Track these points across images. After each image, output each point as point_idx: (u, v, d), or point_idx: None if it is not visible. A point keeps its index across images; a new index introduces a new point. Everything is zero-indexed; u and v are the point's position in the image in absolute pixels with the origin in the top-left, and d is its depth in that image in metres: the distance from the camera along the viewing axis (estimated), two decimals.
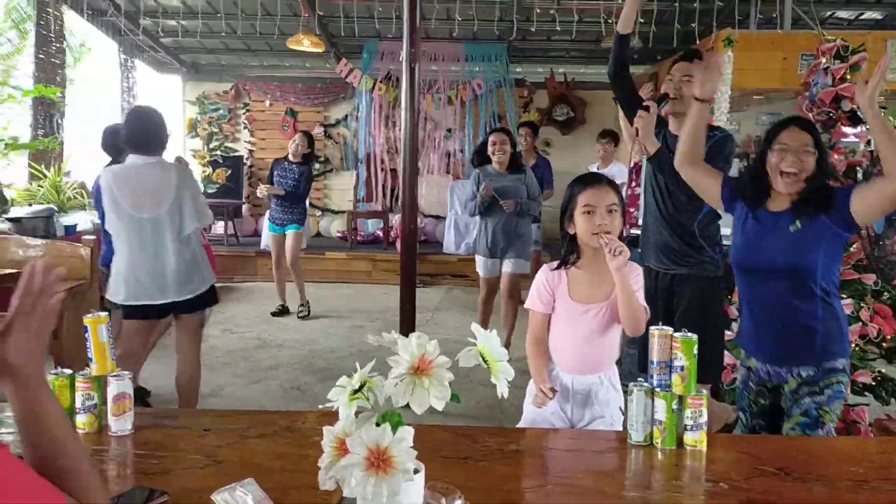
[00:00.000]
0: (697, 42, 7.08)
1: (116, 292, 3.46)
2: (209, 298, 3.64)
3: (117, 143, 3.94)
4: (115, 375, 1.75)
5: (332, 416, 1.31)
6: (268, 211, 6.93)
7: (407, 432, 1.22)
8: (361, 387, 1.38)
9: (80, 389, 1.75)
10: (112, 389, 1.74)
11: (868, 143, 4.47)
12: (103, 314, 1.79)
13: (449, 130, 10.09)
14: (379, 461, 1.19)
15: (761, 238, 2.38)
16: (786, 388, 2.40)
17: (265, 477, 1.46)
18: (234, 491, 1.38)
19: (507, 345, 4.85)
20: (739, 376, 2.60)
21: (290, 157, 6.62)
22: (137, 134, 3.45)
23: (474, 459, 1.69)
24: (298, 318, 6.78)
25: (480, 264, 5.41)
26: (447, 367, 1.31)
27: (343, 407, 1.36)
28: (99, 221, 4.05)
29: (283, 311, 6.90)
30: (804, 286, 2.31)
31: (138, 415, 1.82)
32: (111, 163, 4.21)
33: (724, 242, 3.21)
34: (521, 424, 2.37)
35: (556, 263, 2.35)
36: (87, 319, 1.76)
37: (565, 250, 2.32)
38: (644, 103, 3.20)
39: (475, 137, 10.03)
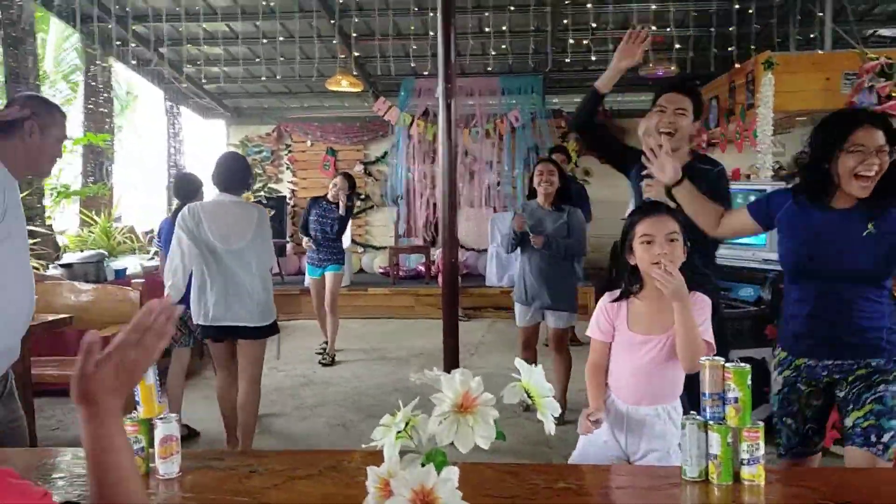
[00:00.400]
0: (736, 66, 7.02)
1: (201, 315, 3.89)
2: (273, 329, 4.01)
3: (189, 189, 4.73)
4: (161, 418, 1.75)
5: (377, 455, 1.29)
6: (306, 252, 6.78)
7: (452, 472, 1.20)
8: (406, 425, 1.36)
9: (127, 433, 1.75)
10: (159, 432, 1.74)
11: None
12: None
13: (489, 164, 10.12)
14: (424, 502, 1.17)
15: (830, 240, 2.24)
16: (849, 378, 2.27)
17: None
18: None
19: (562, 404, 4.44)
20: (783, 380, 2.45)
21: (330, 198, 6.48)
22: (227, 175, 3.96)
23: (521, 498, 1.65)
24: (320, 363, 6.53)
25: (517, 311, 4.88)
26: (492, 403, 1.28)
27: (387, 446, 1.34)
28: (159, 262, 4.72)
29: (327, 353, 6.69)
30: (878, 285, 2.22)
31: (185, 457, 1.82)
32: (179, 206, 4.53)
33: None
34: (574, 453, 2.33)
35: (617, 293, 2.32)
36: None
37: (627, 281, 2.29)
38: (644, 172, 2.72)
39: (513, 170, 10.05)
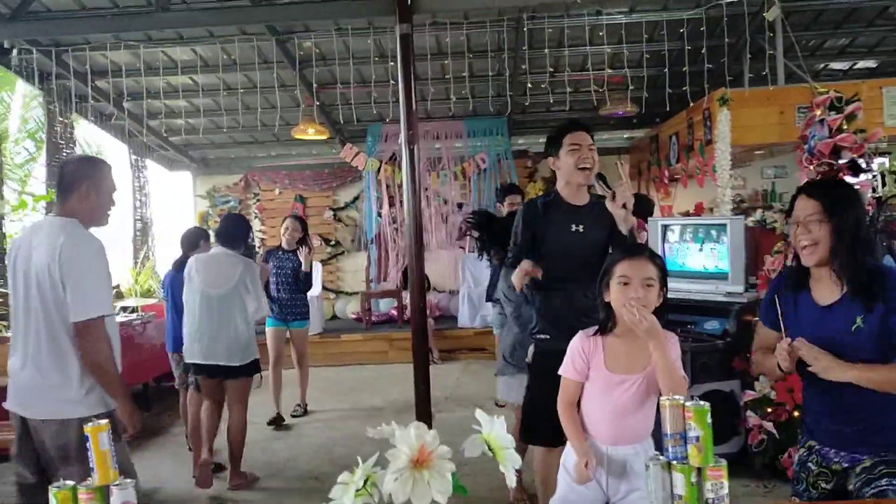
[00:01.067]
0: (691, 104, 7.18)
1: (191, 354, 4.54)
2: (255, 367, 4.62)
3: (192, 241, 5.25)
4: (117, 485, 1.71)
5: None
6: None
7: None
8: (365, 482, 1.34)
9: (82, 501, 1.71)
10: (115, 499, 1.69)
11: (873, 189, 4.46)
12: (103, 422, 1.77)
13: (459, 205, 10.17)
14: None
15: (821, 336, 2.13)
16: (858, 467, 2.14)
17: None
18: None
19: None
20: (797, 457, 2.34)
21: (285, 246, 6.08)
22: (224, 234, 4.70)
23: None
24: (292, 416, 6.26)
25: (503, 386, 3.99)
26: (448, 456, 1.27)
27: None
28: (168, 313, 5.38)
29: (277, 420, 6.09)
30: None
31: None
32: (182, 257, 5.21)
33: None
34: (555, 498, 2.30)
35: (592, 330, 2.31)
36: (88, 428, 1.73)
37: (602, 318, 2.29)
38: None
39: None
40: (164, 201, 11.34)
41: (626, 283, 2.17)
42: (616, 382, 2.19)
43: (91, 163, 2.91)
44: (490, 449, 1.37)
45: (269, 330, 6.13)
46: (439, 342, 8.66)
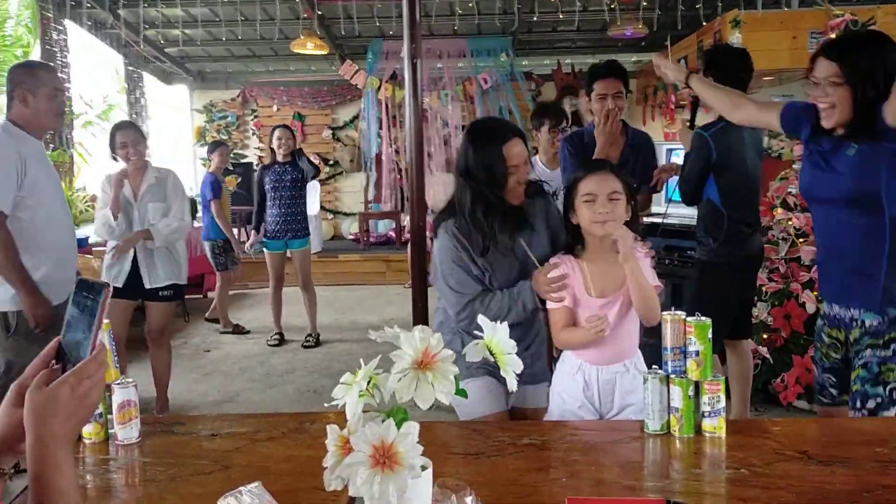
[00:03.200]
0: (703, 24, 7.00)
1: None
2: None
3: None
4: (118, 383, 1.72)
5: (341, 416, 1.28)
6: (265, 221, 5.97)
7: (412, 427, 1.18)
8: (368, 383, 1.35)
9: None
10: (117, 397, 1.71)
11: None
12: (105, 321, 1.77)
13: (459, 128, 10.03)
14: (384, 458, 1.16)
15: (824, 165, 2.24)
16: (850, 336, 2.26)
17: (274, 480, 1.43)
18: (241, 495, 1.34)
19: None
20: (817, 326, 2.46)
21: (280, 159, 5.83)
22: None
23: (486, 455, 1.66)
24: (303, 347, 5.97)
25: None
26: (452, 360, 1.27)
27: (349, 405, 1.33)
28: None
29: (280, 341, 6.09)
30: (873, 216, 2.14)
31: (145, 423, 1.79)
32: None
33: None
34: (547, 418, 2.32)
35: (567, 257, 2.25)
36: None
37: (570, 241, 2.26)
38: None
39: None
40: (161, 115, 11.18)
41: (591, 201, 2.12)
42: (597, 304, 2.16)
43: (26, 69, 3.05)
44: (491, 354, 1.37)
45: (267, 255, 5.96)
46: None
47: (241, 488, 1.35)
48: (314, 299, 6.10)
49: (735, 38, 6.15)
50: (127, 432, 1.72)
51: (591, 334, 2.05)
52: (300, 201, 5.91)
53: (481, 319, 1.39)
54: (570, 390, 2.22)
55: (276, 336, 6.10)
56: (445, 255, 2.34)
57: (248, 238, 6.25)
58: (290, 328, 6.38)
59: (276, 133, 5.86)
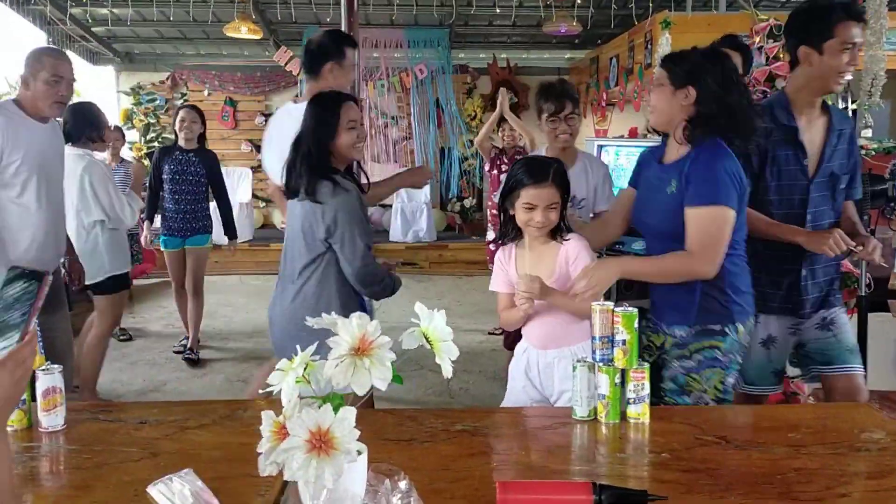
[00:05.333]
0: (636, 24, 7.17)
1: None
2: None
3: None
4: (43, 370, 1.68)
5: (274, 404, 1.28)
6: (158, 216, 5.19)
7: (349, 412, 1.20)
8: (304, 370, 1.35)
9: None
10: (41, 384, 1.67)
11: None
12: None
13: (395, 119, 10.02)
14: (321, 443, 1.17)
15: (651, 196, 2.30)
16: (665, 345, 2.26)
17: (205, 467, 1.42)
18: (171, 482, 1.33)
19: None
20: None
21: (183, 145, 4.99)
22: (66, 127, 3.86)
23: (419, 441, 1.68)
24: (183, 358, 5.18)
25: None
26: (388, 346, 1.29)
27: (285, 391, 1.33)
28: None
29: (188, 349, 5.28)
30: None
31: (71, 410, 1.75)
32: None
33: None
34: (504, 403, 2.39)
35: (501, 240, 2.39)
36: None
37: (508, 229, 2.34)
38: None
39: (421, 125, 9.99)
40: (85, 96, 10.77)
41: (530, 209, 2.22)
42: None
43: (34, 52, 3.04)
44: (428, 341, 1.39)
45: (166, 254, 5.16)
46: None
47: (171, 475, 1.34)
48: (201, 308, 5.25)
49: (665, 39, 6.32)
50: (51, 419, 1.68)
51: (519, 310, 2.20)
52: (203, 196, 5.12)
53: (418, 306, 1.41)
54: (516, 370, 2.36)
55: (185, 341, 5.34)
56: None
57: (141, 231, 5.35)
58: (217, 318, 6.28)
59: (181, 114, 5.02)
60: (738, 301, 2.19)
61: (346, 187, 2.51)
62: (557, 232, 2.28)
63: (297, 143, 2.55)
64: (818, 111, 2.49)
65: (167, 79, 10.43)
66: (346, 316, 1.30)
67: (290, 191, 2.59)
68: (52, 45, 3.49)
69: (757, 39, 4.14)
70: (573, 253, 2.25)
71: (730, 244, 2.12)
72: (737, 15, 6.45)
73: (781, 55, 4.07)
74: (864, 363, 3.18)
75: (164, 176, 4.96)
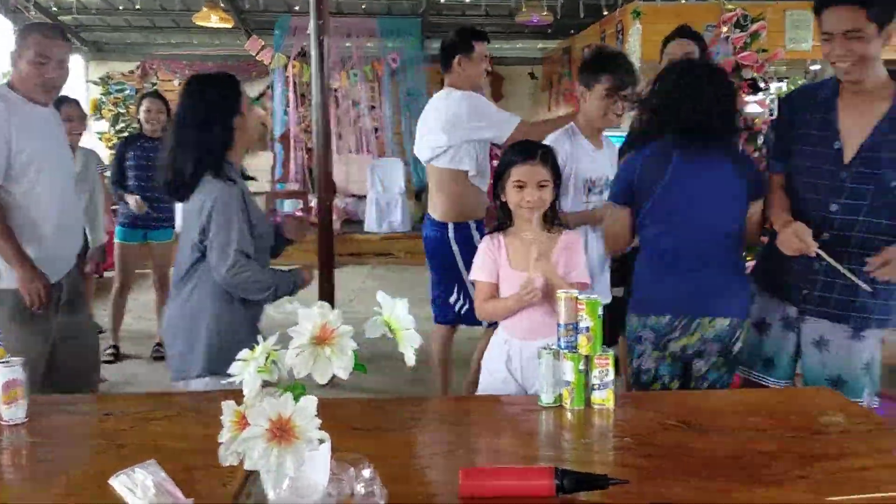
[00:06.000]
0: (605, 15, 7.19)
1: None
2: None
3: None
4: (4, 362, 1.66)
5: (238, 395, 1.28)
6: (117, 208, 5.03)
7: (310, 401, 1.20)
8: (266, 359, 1.35)
9: None
10: (2, 376, 1.65)
11: (770, 112, 4.65)
12: None
13: (369, 108, 9.97)
14: (281, 432, 1.17)
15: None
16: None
17: (169, 458, 1.41)
18: (134, 474, 1.33)
19: None
20: None
21: (149, 133, 4.82)
22: None
23: (385, 430, 1.69)
24: (154, 358, 4.92)
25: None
26: (350, 335, 1.29)
27: (247, 380, 1.33)
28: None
29: (116, 357, 4.94)
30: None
31: (34, 403, 1.73)
32: None
33: None
34: (478, 391, 2.38)
35: (492, 230, 2.36)
36: None
37: (500, 217, 2.34)
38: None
39: (395, 115, 9.95)
40: None
41: (521, 187, 2.22)
42: (519, 279, 2.21)
43: (23, 29, 2.76)
44: (391, 330, 1.39)
45: (120, 246, 4.88)
46: (346, 246, 8.63)
47: (134, 467, 1.34)
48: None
49: (636, 29, 6.36)
50: (13, 412, 1.66)
51: (522, 298, 2.13)
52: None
53: (380, 295, 1.41)
54: (495, 363, 2.31)
55: (112, 350, 4.93)
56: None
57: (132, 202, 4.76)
58: None
59: (145, 103, 4.87)
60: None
61: (232, 178, 2.32)
62: (552, 223, 2.29)
63: (182, 132, 2.33)
64: (876, 96, 2.23)
65: (137, 68, 10.30)
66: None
67: (175, 190, 2.37)
68: (43, 21, 3.00)
69: (724, 29, 4.17)
70: (568, 246, 2.26)
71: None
72: (705, 5, 6.49)
73: (748, 45, 4.11)
74: None
75: (129, 163, 4.76)
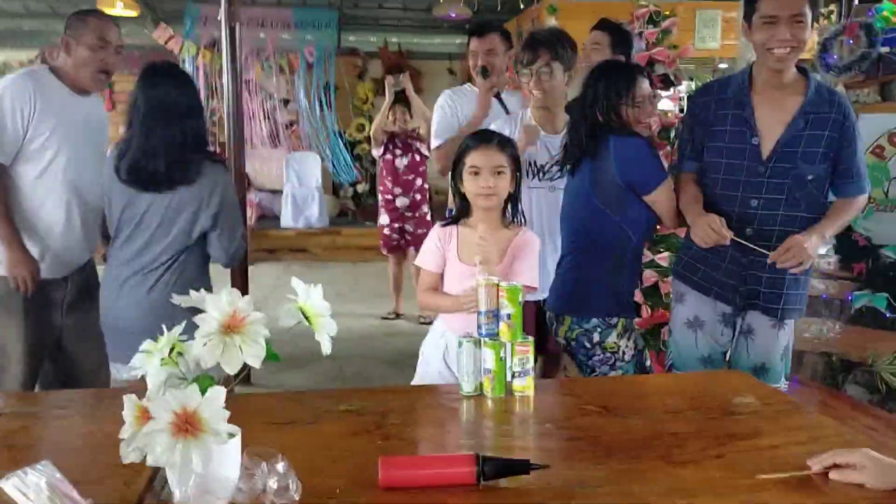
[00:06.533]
0: (522, 9, 7.25)
1: None
2: None
3: None
4: None
5: (143, 388, 1.21)
6: None
7: (217, 392, 1.14)
8: (171, 351, 1.27)
9: None
10: None
11: (681, 110, 4.77)
12: None
13: (283, 101, 9.76)
14: (187, 425, 1.10)
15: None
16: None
17: (66, 458, 1.31)
18: (26, 475, 1.23)
19: None
20: None
21: None
22: None
23: (301, 423, 1.63)
24: None
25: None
26: (263, 322, 1.23)
27: (150, 374, 1.25)
28: None
29: None
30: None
31: None
32: None
33: None
34: (414, 381, 2.33)
35: (448, 221, 2.30)
36: None
37: (457, 208, 2.28)
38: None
39: (309, 107, 9.77)
40: None
41: (476, 173, 2.16)
42: (467, 272, 2.14)
43: (78, 14, 2.64)
44: (306, 318, 1.34)
45: None
46: (260, 241, 8.43)
47: (26, 468, 1.24)
48: None
49: (551, 24, 6.43)
50: None
51: (461, 306, 2.06)
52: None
53: (295, 282, 1.35)
54: (432, 354, 2.28)
55: None
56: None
57: None
58: None
59: None
60: None
61: (224, 162, 2.44)
62: (511, 220, 2.25)
63: (167, 119, 2.34)
64: (789, 90, 2.30)
65: (36, 57, 9.78)
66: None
67: (143, 179, 2.35)
68: (101, 10, 2.88)
69: (637, 25, 4.26)
70: (523, 245, 2.20)
71: None
72: (620, 3, 6.60)
73: (660, 40, 4.21)
74: None
75: None
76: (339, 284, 7.17)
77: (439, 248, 2.25)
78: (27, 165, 2.52)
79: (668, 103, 4.32)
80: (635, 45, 4.25)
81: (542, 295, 2.64)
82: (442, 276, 2.26)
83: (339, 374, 4.39)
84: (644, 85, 2.47)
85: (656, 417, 1.69)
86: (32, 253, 2.48)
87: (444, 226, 2.29)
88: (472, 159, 2.17)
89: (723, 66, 7.39)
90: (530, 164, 2.82)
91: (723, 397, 1.82)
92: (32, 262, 2.49)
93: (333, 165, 9.43)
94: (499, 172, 2.16)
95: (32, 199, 2.53)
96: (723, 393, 1.85)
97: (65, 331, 2.63)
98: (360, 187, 9.95)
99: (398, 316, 5.82)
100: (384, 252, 5.79)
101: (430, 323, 2.44)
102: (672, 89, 4.23)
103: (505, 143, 2.23)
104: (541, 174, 2.83)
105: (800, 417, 1.71)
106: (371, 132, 5.91)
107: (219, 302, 1.22)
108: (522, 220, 2.32)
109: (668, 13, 4.29)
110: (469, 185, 2.18)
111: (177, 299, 1.30)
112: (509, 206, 2.26)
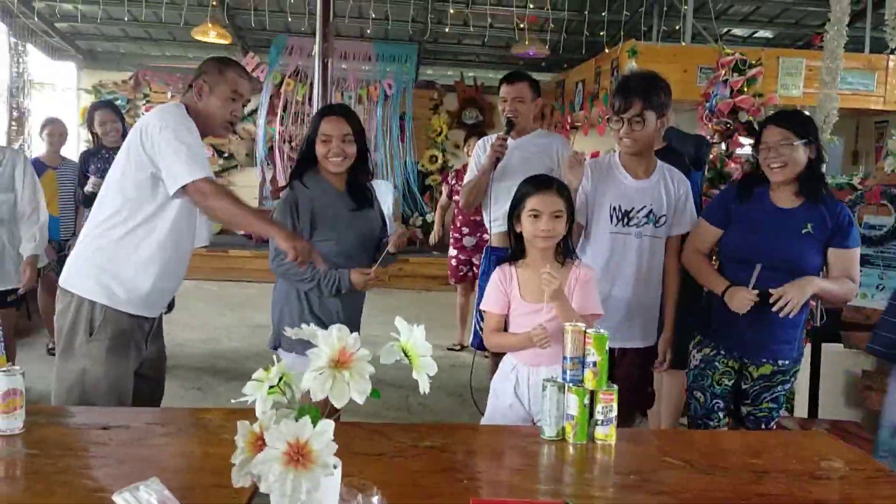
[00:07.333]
0: (606, 51, 7.30)
1: None
2: None
3: None
4: (5, 371, 1.63)
5: (238, 414, 1.27)
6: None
7: (327, 425, 1.19)
8: (279, 381, 1.34)
9: None
10: (2, 385, 1.62)
11: (754, 157, 4.72)
12: None
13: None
14: (298, 456, 1.16)
15: (770, 233, 2.46)
16: (754, 373, 2.53)
17: (169, 476, 1.39)
18: (138, 490, 1.30)
19: None
20: (701, 356, 2.61)
21: (109, 144, 4.67)
22: None
23: (389, 455, 1.67)
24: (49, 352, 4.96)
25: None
26: (368, 359, 1.28)
27: (260, 401, 1.32)
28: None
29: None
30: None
31: (32, 413, 1.70)
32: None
33: None
34: (483, 419, 2.39)
35: (507, 263, 2.38)
36: None
37: (514, 248, 2.37)
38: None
39: (384, 138, 9.98)
40: (45, 92, 10.53)
41: (536, 216, 2.26)
42: (532, 310, 2.26)
43: (216, 61, 2.58)
44: (406, 356, 1.38)
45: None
46: None
47: (137, 483, 1.31)
48: None
49: (631, 67, 6.45)
50: (10, 422, 1.63)
51: (533, 342, 2.16)
52: None
53: (398, 321, 1.40)
54: (503, 388, 2.33)
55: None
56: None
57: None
58: (171, 322, 6.15)
59: (99, 116, 4.69)
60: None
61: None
62: (564, 256, 2.33)
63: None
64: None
65: (130, 78, 10.26)
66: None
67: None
68: (230, 56, 2.75)
69: (723, 72, 4.26)
70: (583, 278, 2.29)
71: None
72: (699, 48, 6.63)
73: (745, 89, 4.20)
74: (816, 392, 3.27)
75: (90, 175, 4.61)
76: (404, 312, 7.17)
77: (502, 291, 2.34)
78: (169, 208, 2.44)
79: (749, 150, 4.29)
80: (720, 92, 4.25)
81: (643, 342, 2.74)
82: (506, 317, 2.34)
83: (404, 404, 4.43)
84: None
85: (741, 476, 1.67)
86: (144, 289, 2.39)
87: (503, 268, 2.36)
88: (533, 203, 2.28)
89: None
90: (613, 209, 2.71)
91: (809, 459, 1.79)
92: (304, 234, 2.58)
93: (403, 196, 9.58)
94: (556, 216, 2.26)
95: (164, 242, 2.44)
96: (809, 455, 1.82)
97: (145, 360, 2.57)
98: (430, 217, 10.07)
99: (463, 347, 5.84)
100: (452, 282, 5.84)
101: (494, 356, 2.49)
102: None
103: (562, 189, 2.34)
104: (625, 220, 2.71)
105: (891, 487, 1.67)
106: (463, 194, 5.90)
107: (329, 338, 1.28)
108: (574, 257, 2.41)
109: (754, 62, 4.27)
110: (529, 228, 2.28)
111: (288, 332, 1.36)
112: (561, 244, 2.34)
